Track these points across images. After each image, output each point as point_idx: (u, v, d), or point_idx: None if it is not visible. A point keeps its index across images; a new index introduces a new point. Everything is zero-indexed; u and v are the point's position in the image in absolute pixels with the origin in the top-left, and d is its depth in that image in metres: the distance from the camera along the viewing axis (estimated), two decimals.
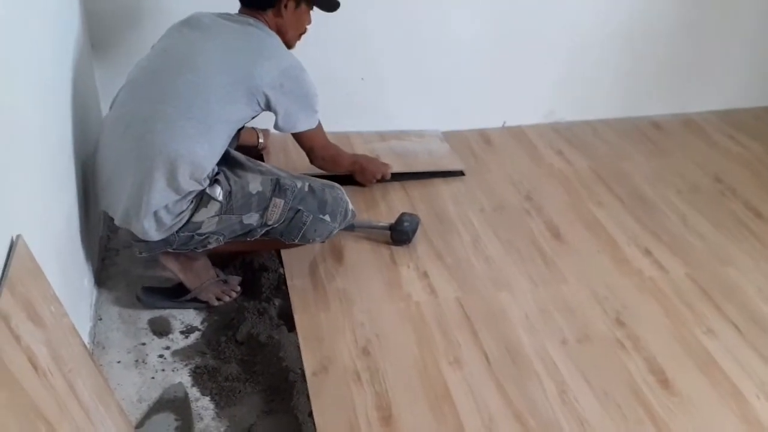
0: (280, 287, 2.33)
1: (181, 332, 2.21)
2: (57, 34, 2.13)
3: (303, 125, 2.29)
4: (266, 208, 2.16)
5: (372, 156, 2.85)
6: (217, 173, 2.13)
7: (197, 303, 2.28)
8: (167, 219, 2.06)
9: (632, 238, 2.59)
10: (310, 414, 1.89)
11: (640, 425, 1.90)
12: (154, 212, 2.04)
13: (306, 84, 2.23)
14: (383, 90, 3.07)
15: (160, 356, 2.12)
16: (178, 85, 2.08)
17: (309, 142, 2.39)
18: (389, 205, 2.72)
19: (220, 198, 2.09)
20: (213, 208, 2.10)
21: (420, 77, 3.09)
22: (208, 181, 2.09)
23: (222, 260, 2.38)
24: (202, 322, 2.25)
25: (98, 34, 2.68)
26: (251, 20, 2.22)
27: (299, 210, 2.19)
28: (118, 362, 2.09)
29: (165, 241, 2.12)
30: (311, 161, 2.47)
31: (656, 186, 2.90)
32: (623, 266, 2.46)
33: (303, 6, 2.30)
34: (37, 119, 1.76)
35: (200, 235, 2.13)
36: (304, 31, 2.37)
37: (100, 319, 2.23)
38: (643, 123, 3.38)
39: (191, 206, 2.08)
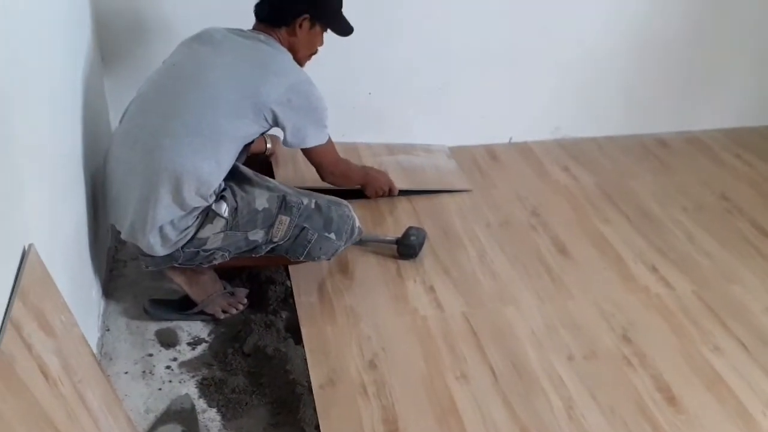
0: (287, 300, 2.33)
1: (189, 344, 2.21)
2: (68, 46, 2.14)
3: (312, 141, 2.27)
4: (272, 225, 2.15)
5: (381, 170, 2.85)
6: (224, 189, 2.13)
7: (204, 315, 2.29)
8: (172, 234, 2.07)
9: (638, 255, 2.59)
10: (317, 427, 1.89)
11: None
12: (160, 227, 2.05)
13: (315, 99, 2.21)
14: (390, 105, 3.08)
15: (168, 367, 2.13)
16: (187, 101, 2.09)
17: (318, 158, 2.37)
18: (396, 219, 2.73)
19: (226, 214, 2.09)
20: (218, 224, 2.10)
21: (426, 92, 3.10)
22: (214, 197, 2.09)
23: (229, 273, 2.38)
24: (209, 334, 2.25)
25: (109, 47, 2.70)
26: (262, 36, 2.22)
27: (304, 227, 2.18)
28: (126, 373, 2.10)
29: (170, 257, 2.12)
30: (322, 177, 2.45)
31: (663, 203, 2.90)
32: (630, 283, 2.46)
33: (317, 27, 2.30)
34: (47, 130, 1.77)
35: (205, 251, 2.13)
36: (315, 52, 2.37)
37: (108, 330, 2.24)
38: (649, 140, 3.39)
39: (196, 222, 2.09)
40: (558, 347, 2.17)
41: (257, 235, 2.15)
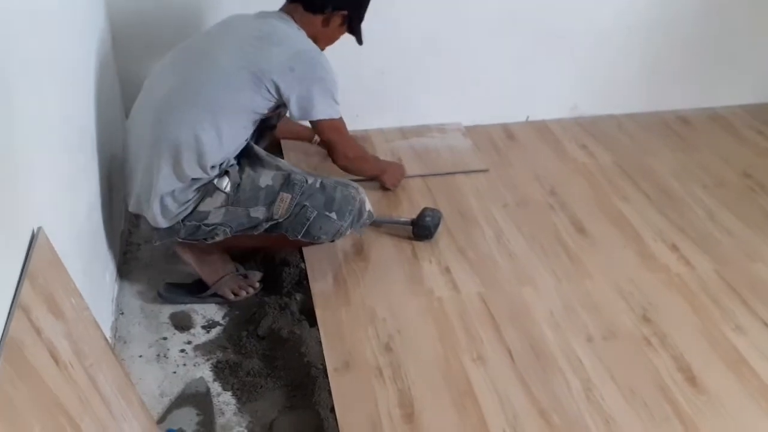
0: (302, 282, 2.31)
1: (203, 327, 2.20)
2: (79, 27, 2.13)
3: (319, 112, 2.20)
4: (273, 202, 2.13)
5: (394, 161, 2.82)
6: (230, 165, 2.13)
7: (218, 298, 2.28)
8: (173, 206, 2.09)
9: (658, 234, 2.55)
10: (332, 410, 1.88)
11: (667, 423, 1.86)
12: (160, 198, 2.08)
13: (321, 69, 2.16)
14: (404, 84, 3.05)
15: (182, 351, 2.12)
16: (189, 75, 2.11)
17: (329, 134, 2.31)
18: (411, 200, 2.70)
19: (227, 189, 2.10)
20: (219, 198, 2.11)
21: (442, 71, 3.07)
22: (216, 171, 2.09)
23: (243, 255, 2.37)
24: (223, 317, 2.24)
25: (120, 28, 2.67)
26: (282, 15, 2.23)
27: (305, 205, 2.15)
28: (140, 356, 2.09)
29: (172, 230, 2.14)
30: (334, 160, 2.41)
31: (683, 181, 2.86)
32: (649, 262, 2.42)
33: (344, 27, 2.31)
34: (58, 112, 1.76)
35: (207, 225, 2.13)
36: (329, 45, 2.36)
37: (122, 314, 2.23)
38: (669, 117, 3.33)
39: (197, 196, 2.10)
40: (576, 328, 2.14)
41: (258, 212, 2.14)
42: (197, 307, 2.26)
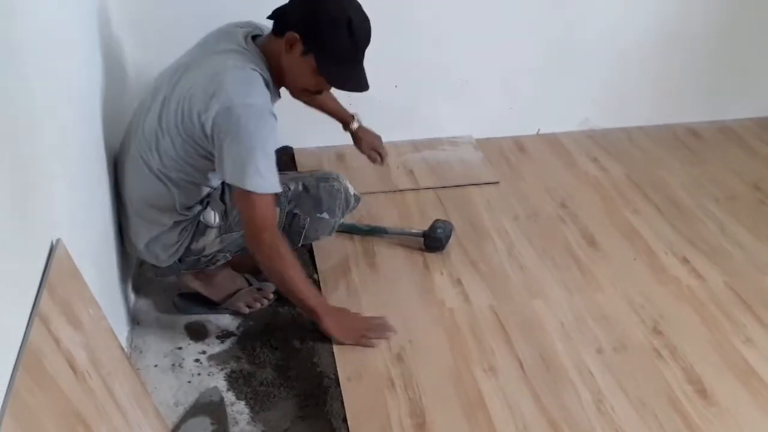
0: None
1: (217, 337, 2.22)
2: (92, 42, 2.15)
3: (231, 177, 1.86)
4: None
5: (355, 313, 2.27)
6: (208, 194, 2.07)
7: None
8: (161, 252, 2.07)
9: (669, 246, 2.56)
10: (345, 420, 1.89)
11: None
12: (146, 245, 2.06)
13: (244, 129, 1.81)
14: (417, 97, 3.07)
15: (197, 360, 2.14)
16: (146, 123, 1.99)
17: (242, 205, 1.92)
18: (422, 212, 2.72)
19: (215, 223, 2.06)
20: (211, 234, 2.07)
21: (454, 84, 3.09)
22: (198, 208, 2.05)
23: (255, 267, 2.39)
24: (237, 327, 2.26)
25: (137, 43, 2.70)
26: (246, 43, 1.95)
27: (296, 214, 2.14)
28: (155, 366, 2.11)
29: (170, 268, 2.14)
30: (246, 242, 2.00)
31: (693, 194, 2.87)
32: (660, 274, 2.43)
33: (309, 58, 1.90)
34: (72, 127, 1.78)
35: (206, 256, 2.13)
36: (310, 90, 2.02)
37: (138, 324, 2.26)
38: (679, 130, 3.34)
39: (186, 236, 2.06)
40: (587, 340, 2.15)
41: None
42: (212, 317, 2.29)
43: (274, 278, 2.09)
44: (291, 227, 2.15)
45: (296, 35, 1.88)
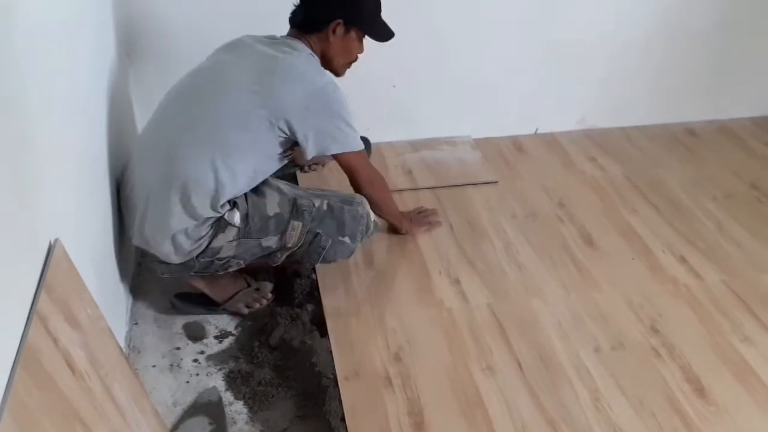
0: (313, 293, 2.34)
1: (216, 337, 2.23)
2: (92, 44, 2.15)
3: (340, 147, 2.14)
4: (284, 231, 2.11)
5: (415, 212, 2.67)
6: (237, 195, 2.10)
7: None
8: (186, 244, 2.05)
9: (667, 245, 2.56)
10: (343, 419, 1.90)
11: None
12: (172, 236, 2.03)
13: (338, 103, 2.10)
14: (415, 97, 3.08)
15: (195, 361, 2.14)
16: (201, 112, 2.06)
17: (350, 164, 2.22)
18: None
19: (238, 223, 2.06)
20: (231, 233, 2.07)
21: (452, 85, 3.09)
22: (227, 207, 2.06)
23: (254, 267, 2.39)
24: (236, 327, 2.27)
25: (134, 46, 2.71)
26: (292, 42, 2.15)
27: (318, 233, 2.14)
28: (154, 366, 2.12)
29: (185, 265, 2.11)
30: (358, 188, 2.28)
31: (691, 193, 2.87)
32: (658, 273, 2.43)
33: (353, 33, 2.20)
34: (71, 128, 1.78)
35: (220, 259, 2.12)
36: (354, 59, 2.28)
37: (136, 324, 2.26)
38: (677, 129, 3.35)
39: (210, 232, 2.06)
40: (585, 339, 2.16)
41: (271, 241, 2.12)
42: (210, 317, 2.29)
43: (379, 208, 2.36)
44: (312, 245, 2.16)
45: (340, 21, 2.16)
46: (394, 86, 3.02)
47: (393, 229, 2.57)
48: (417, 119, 3.14)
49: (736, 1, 3.15)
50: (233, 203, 2.08)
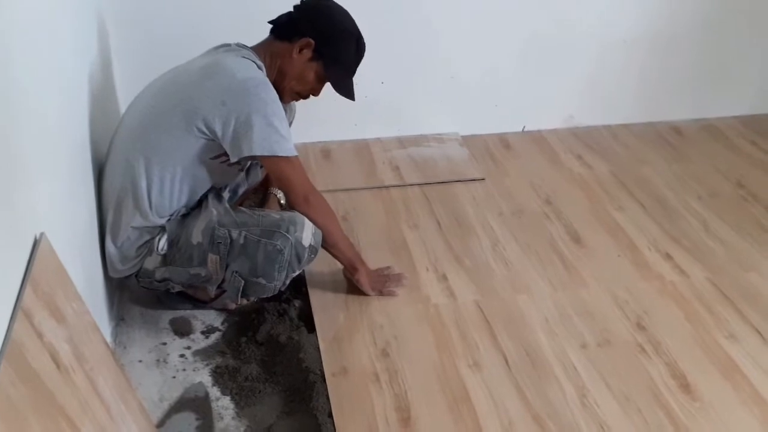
0: (300, 289, 2.33)
1: (202, 332, 2.22)
2: (77, 37, 2.14)
3: (258, 147, 1.91)
4: (206, 262, 2.03)
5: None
6: (179, 213, 2.08)
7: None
8: (117, 261, 2.06)
9: (653, 243, 2.57)
10: (330, 415, 1.90)
11: (660, 429, 1.88)
12: (107, 248, 2.05)
13: (258, 99, 1.91)
14: (403, 93, 3.08)
15: (181, 356, 2.14)
16: (134, 117, 2.07)
17: (277, 171, 2.01)
18: (408, 208, 2.72)
19: (162, 251, 2.04)
20: (156, 258, 2.06)
21: (440, 81, 3.10)
22: (166, 219, 2.04)
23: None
24: (222, 323, 2.26)
25: (120, 39, 2.69)
26: (241, 50, 2.06)
27: (233, 272, 2.01)
28: (140, 361, 2.11)
29: (127, 279, 2.14)
30: (291, 203, 2.07)
31: (677, 191, 2.88)
32: (644, 270, 2.44)
33: (316, 66, 2.08)
34: (57, 122, 1.77)
35: (158, 281, 2.10)
36: (305, 94, 2.16)
37: (122, 319, 2.25)
38: (663, 128, 3.36)
39: (143, 252, 2.06)
40: (571, 335, 2.17)
41: (198, 270, 2.05)
42: (197, 312, 2.28)
43: (323, 238, 2.09)
44: (229, 282, 2.04)
45: (311, 41, 2.04)
46: (382, 83, 3.01)
47: (347, 272, 2.26)
48: (405, 116, 3.15)
49: (722, 0, 3.16)
50: (162, 228, 2.05)
